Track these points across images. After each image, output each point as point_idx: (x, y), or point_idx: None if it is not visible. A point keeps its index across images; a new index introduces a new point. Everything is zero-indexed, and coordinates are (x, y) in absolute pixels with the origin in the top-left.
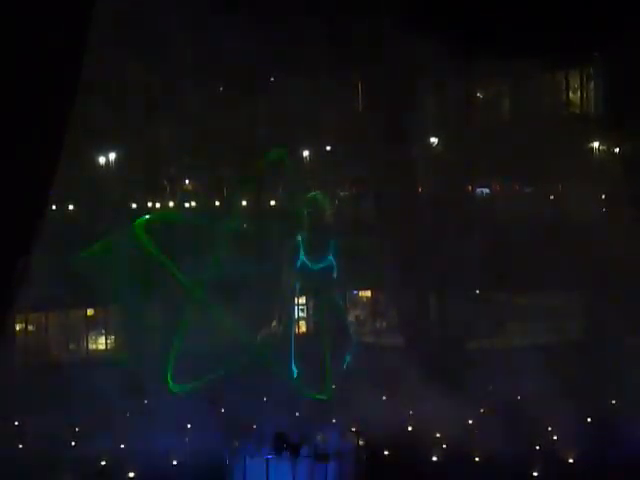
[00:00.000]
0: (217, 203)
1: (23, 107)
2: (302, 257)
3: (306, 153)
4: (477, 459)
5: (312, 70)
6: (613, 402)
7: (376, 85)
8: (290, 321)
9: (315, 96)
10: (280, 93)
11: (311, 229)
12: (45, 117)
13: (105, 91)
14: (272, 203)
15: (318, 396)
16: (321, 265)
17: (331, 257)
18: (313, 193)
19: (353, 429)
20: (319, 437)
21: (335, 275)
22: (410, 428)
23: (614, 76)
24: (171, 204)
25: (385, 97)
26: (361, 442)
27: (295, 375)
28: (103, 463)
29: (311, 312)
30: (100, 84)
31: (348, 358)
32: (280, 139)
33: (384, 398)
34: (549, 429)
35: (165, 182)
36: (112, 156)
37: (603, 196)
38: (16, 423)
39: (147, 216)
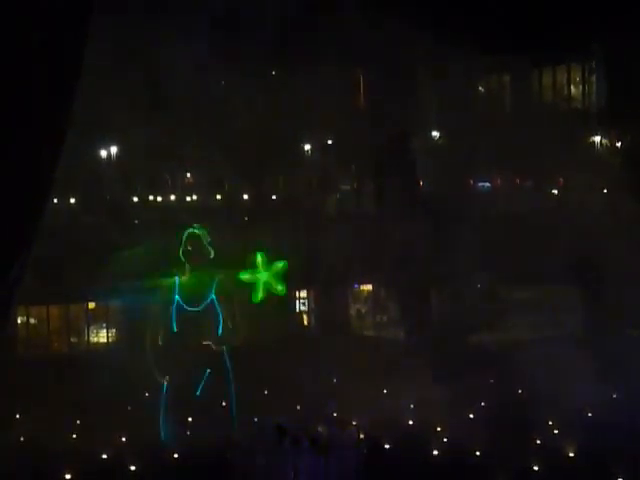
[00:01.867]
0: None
1: (23, 99)
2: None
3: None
4: (478, 453)
5: (313, 64)
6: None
7: (377, 79)
8: None
9: (316, 90)
10: (281, 87)
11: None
12: (46, 110)
13: (107, 84)
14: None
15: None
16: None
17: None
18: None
19: (354, 422)
20: (320, 429)
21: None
22: (411, 422)
23: (616, 69)
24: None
25: (386, 91)
26: (361, 435)
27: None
28: (104, 456)
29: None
30: (102, 76)
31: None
32: (281, 132)
33: (385, 392)
34: (550, 423)
35: (167, 175)
36: (114, 149)
37: (605, 190)
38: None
39: None
